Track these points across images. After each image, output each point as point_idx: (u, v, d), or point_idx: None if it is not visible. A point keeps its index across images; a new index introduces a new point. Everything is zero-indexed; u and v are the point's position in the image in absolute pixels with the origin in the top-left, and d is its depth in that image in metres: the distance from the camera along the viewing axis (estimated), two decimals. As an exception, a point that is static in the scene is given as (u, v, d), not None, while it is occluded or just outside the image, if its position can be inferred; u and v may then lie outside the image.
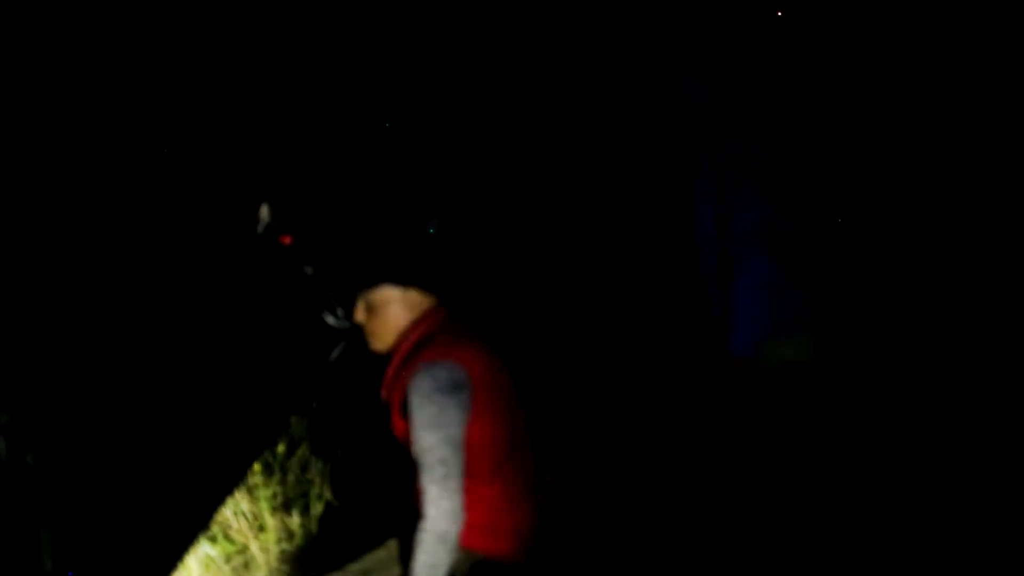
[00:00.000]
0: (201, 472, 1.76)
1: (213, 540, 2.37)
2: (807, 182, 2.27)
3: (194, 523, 1.81)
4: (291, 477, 2.60)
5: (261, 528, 2.45)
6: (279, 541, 2.46)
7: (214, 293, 1.91)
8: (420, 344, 1.78)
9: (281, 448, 2.64)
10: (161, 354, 1.75)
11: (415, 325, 1.80)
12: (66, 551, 1.48)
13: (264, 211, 1.96)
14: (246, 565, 2.39)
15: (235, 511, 2.42)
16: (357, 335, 1.94)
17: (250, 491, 2.49)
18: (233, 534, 2.42)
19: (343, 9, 3.81)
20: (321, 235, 2.00)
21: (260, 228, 1.95)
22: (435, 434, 1.67)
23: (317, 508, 2.54)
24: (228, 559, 2.37)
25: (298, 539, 2.47)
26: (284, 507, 2.53)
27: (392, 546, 1.93)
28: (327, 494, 2.58)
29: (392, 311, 1.81)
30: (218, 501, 1.91)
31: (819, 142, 2.44)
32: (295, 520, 2.49)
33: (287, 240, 1.95)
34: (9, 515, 1.43)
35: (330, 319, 1.97)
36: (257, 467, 2.54)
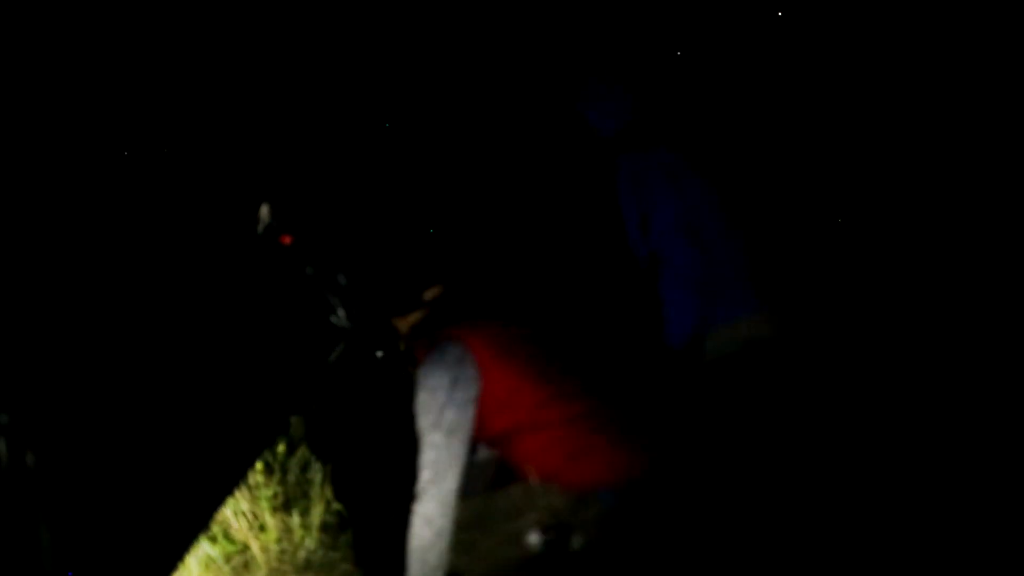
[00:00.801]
0: (201, 472, 1.76)
1: (213, 540, 2.37)
2: (723, 178, 2.38)
3: (194, 523, 1.80)
4: (291, 477, 2.60)
5: (261, 528, 2.45)
6: (279, 541, 2.46)
7: (214, 293, 1.91)
8: (420, 332, 1.86)
9: (281, 448, 2.64)
10: (161, 354, 1.75)
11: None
12: (66, 551, 1.48)
13: (264, 211, 1.95)
14: (246, 565, 2.39)
15: (235, 511, 2.42)
16: (357, 335, 1.95)
17: (250, 491, 2.49)
18: (233, 534, 2.42)
19: (343, 10, 3.80)
20: (321, 235, 2.00)
21: (260, 228, 1.95)
22: (425, 419, 1.74)
23: (317, 508, 2.54)
24: (228, 559, 2.37)
25: (298, 539, 2.47)
26: (284, 507, 2.53)
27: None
28: (327, 494, 2.58)
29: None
30: (218, 501, 1.91)
31: (732, 139, 2.59)
32: (295, 520, 2.48)
33: (287, 240, 1.94)
34: (9, 515, 1.43)
35: (331, 319, 1.97)
36: (258, 467, 2.54)
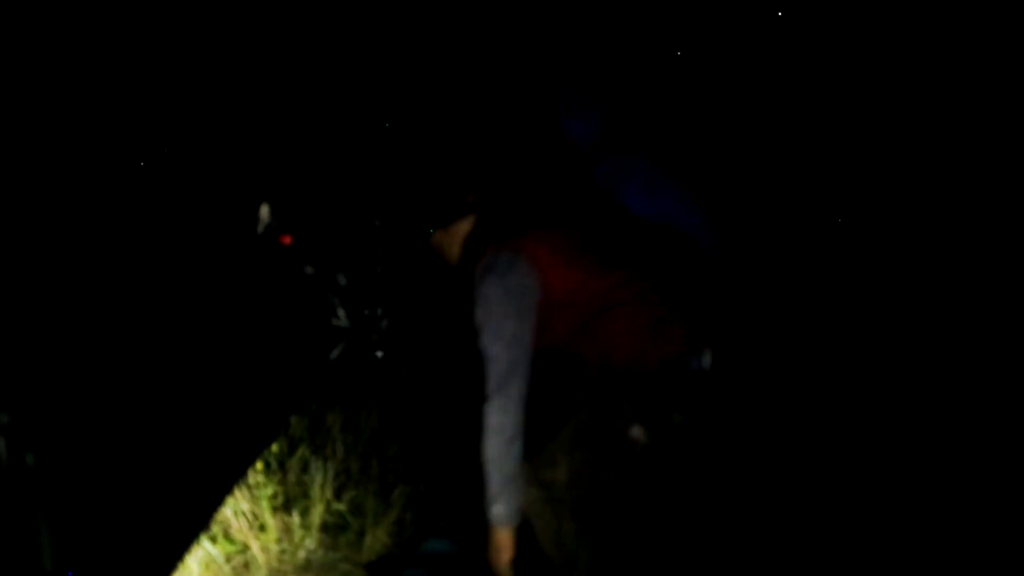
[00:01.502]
0: (201, 472, 1.76)
1: (213, 540, 2.37)
2: (698, 183, 2.44)
3: (194, 523, 1.81)
4: (291, 477, 2.59)
5: (261, 528, 2.45)
6: (279, 541, 2.46)
7: (214, 293, 1.91)
8: (473, 248, 1.88)
9: (281, 448, 2.64)
10: (161, 354, 1.75)
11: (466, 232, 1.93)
12: (66, 551, 1.48)
13: (264, 211, 1.96)
14: (246, 565, 2.39)
15: (235, 511, 2.42)
16: (357, 335, 1.95)
17: (250, 491, 2.49)
18: (233, 534, 2.42)
19: (343, 12, 3.81)
20: (321, 235, 2.00)
21: (260, 228, 1.95)
22: (486, 334, 1.76)
23: (317, 508, 2.54)
24: (228, 559, 2.37)
25: (298, 539, 2.47)
26: (284, 507, 2.53)
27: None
28: (327, 494, 2.58)
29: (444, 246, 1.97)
30: (218, 501, 1.91)
31: (699, 147, 2.75)
32: (295, 520, 2.48)
33: (287, 240, 1.95)
34: (9, 515, 1.43)
35: (331, 319, 1.97)
36: (258, 467, 2.53)
